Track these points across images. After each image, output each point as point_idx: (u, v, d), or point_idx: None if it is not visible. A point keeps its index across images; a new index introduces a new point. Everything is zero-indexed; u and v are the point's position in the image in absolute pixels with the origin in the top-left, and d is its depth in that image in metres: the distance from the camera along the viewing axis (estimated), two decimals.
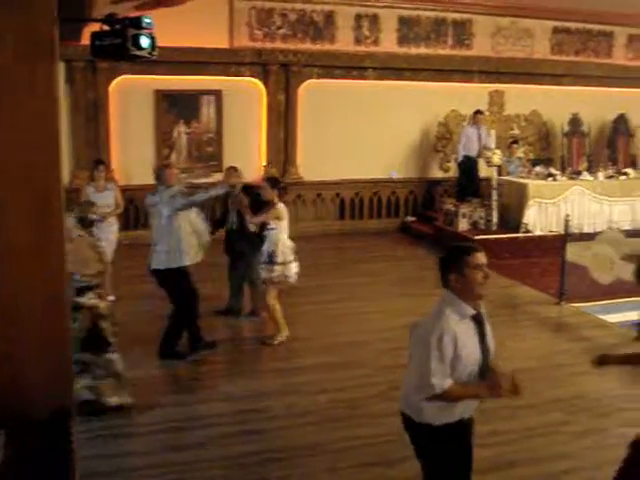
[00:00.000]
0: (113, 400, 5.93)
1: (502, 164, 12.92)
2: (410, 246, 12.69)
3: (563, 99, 14.74)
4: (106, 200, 9.23)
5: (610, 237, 9.33)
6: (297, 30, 12.98)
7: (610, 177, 13.38)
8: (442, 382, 3.49)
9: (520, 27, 14.57)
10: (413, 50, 13.76)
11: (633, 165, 14.81)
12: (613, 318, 8.90)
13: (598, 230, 10.86)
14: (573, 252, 9.38)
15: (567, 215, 10.03)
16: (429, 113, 14.08)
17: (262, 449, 5.48)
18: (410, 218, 14.16)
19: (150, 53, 4.03)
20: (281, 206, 7.51)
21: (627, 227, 11.79)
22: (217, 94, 12.73)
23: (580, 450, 5.51)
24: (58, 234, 3.50)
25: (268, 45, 12.80)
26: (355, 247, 12.66)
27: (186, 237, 7.06)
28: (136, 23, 3.88)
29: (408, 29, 13.70)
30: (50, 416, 3.41)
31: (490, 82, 14.47)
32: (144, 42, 3.93)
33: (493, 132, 13.17)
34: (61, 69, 11.19)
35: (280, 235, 7.46)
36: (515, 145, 13.73)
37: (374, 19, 13.42)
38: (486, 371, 3.65)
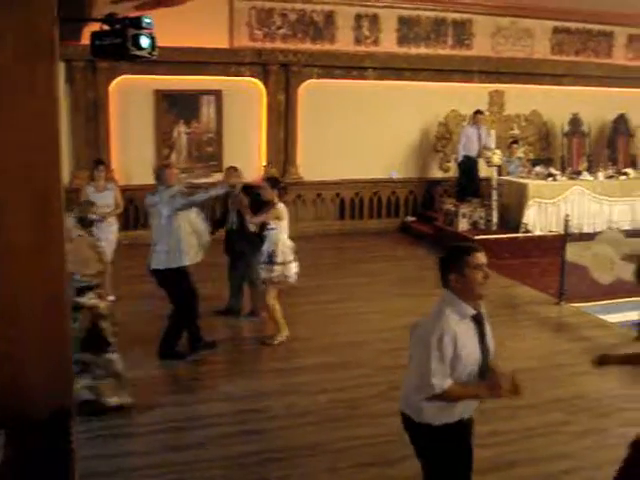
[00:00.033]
0: (113, 400, 5.93)
1: (502, 164, 12.92)
2: (410, 246, 12.69)
3: (563, 99, 14.75)
4: (106, 200, 9.23)
5: (610, 237, 9.33)
6: (297, 30, 12.98)
7: (610, 177, 13.38)
8: (442, 382, 3.49)
9: (520, 27, 14.57)
10: (413, 50, 13.76)
11: (633, 165, 14.81)
12: (613, 318, 8.90)
13: (598, 230, 10.86)
14: (573, 252, 9.38)
15: (567, 215, 10.03)
16: (429, 113, 14.08)
17: (262, 449, 5.48)
18: (410, 218, 14.16)
19: (150, 53, 4.03)
20: (281, 206, 7.51)
21: (627, 227, 11.79)
22: (217, 94, 12.74)
23: (580, 450, 5.51)
24: (58, 234, 3.50)
25: (268, 45, 12.80)
26: (355, 247, 12.66)
27: (186, 237, 7.06)
28: (136, 23, 3.87)
29: (408, 29, 13.70)
30: (50, 416, 3.41)
31: (490, 82, 14.47)
32: (144, 42, 3.92)
33: (493, 132, 13.17)
34: (61, 69, 11.19)
35: (280, 235, 7.46)
36: (515, 145, 13.74)
37: (374, 19, 13.43)
38: (486, 371, 3.65)
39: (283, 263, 7.43)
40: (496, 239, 11.86)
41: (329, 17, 13.12)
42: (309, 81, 13.22)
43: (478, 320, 3.65)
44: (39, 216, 3.41)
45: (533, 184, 12.49)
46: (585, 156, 14.74)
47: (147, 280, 7.49)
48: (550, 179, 12.76)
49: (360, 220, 14.00)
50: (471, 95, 14.14)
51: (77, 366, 5.49)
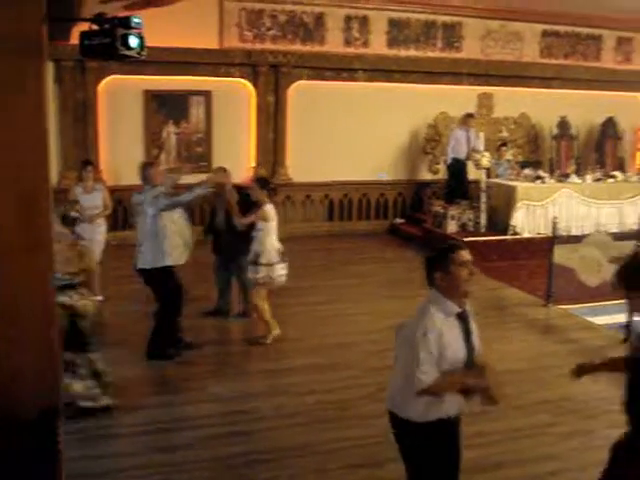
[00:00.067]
0: (89, 403, 5.88)
1: (491, 166, 12.97)
2: (399, 248, 12.71)
3: (552, 102, 14.82)
4: (94, 201, 9.20)
5: (597, 240, 9.38)
6: (287, 31, 12.98)
7: (598, 180, 13.46)
8: (428, 376, 3.51)
9: (509, 30, 14.63)
10: (403, 52, 13.79)
11: (621, 168, 14.90)
12: (601, 320, 8.95)
13: (586, 233, 10.89)
14: (561, 254, 9.42)
15: (555, 217, 10.09)
16: (418, 115, 14.11)
17: (250, 450, 5.47)
18: (399, 220, 14.18)
19: (139, 53, 4.01)
20: (269, 207, 7.50)
21: (614, 230, 11.85)
22: (207, 95, 12.72)
23: (566, 451, 5.54)
24: (46, 234, 3.49)
25: (258, 46, 12.80)
26: (344, 249, 12.67)
27: (171, 237, 7.05)
28: (125, 23, 3.86)
29: (398, 31, 13.73)
30: (38, 416, 3.40)
31: (479, 85, 14.51)
32: (133, 42, 3.91)
33: (482, 134, 13.20)
34: (50, 68, 11.15)
35: (267, 236, 7.45)
36: (504, 148, 13.78)
37: (364, 21, 13.45)
38: (471, 369, 3.67)
39: (268, 264, 7.43)
40: (484, 241, 11.89)
41: (319, 18, 13.13)
42: (299, 82, 13.22)
43: (463, 318, 3.68)
44: (27, 216, 3.40)
45: (521, 186, 12.54)
46: (573, 159, 14.81)
47: (135, 280, 7.48)
48: (538, 182, 12.82)
49: (349, 222, 14.01)
50: (460, 97, 14.19)
51: None
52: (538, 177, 12.94)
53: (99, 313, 6.12)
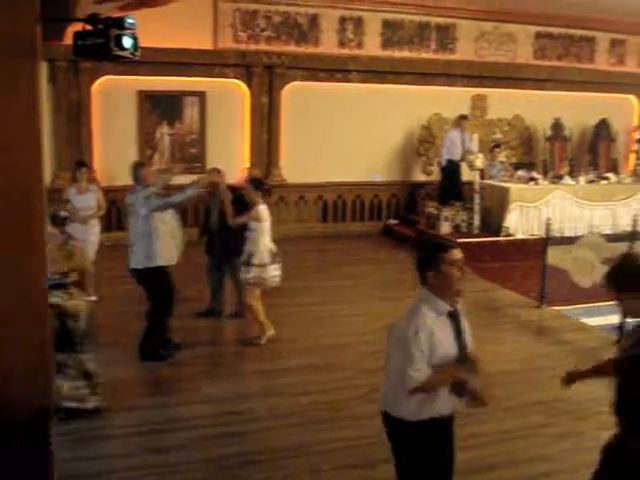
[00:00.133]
0: (89, 404, 5.87)
1: (484, 168, 13.00)
2: (392, 249, 12.71)
3: (545, 104, 14.86)
4: (88, 202, 9.21)
5: (591, 241, 9.39)
6: (281, 32, 12.98)
7: (591, 182, 13.51)
8: (420, 374, 3.52)
9: (503, 32, 14.67)
10: (397, 53, 13.81)
11: (614, 170, 14.94)
12: (594, 321, 8.97)
13: (579, 234, 10.93)
14: (554, 256, 9.44)
15: (548, 219, 10.11)
16: (412, 116, 14.13)
17: (244, 451, 5.47)
18: (392, 221, 14.19)
19: (133, 53, 4.01)
20: (262, 208, 7.50)
21: (608, 231, 11.89)
22: (201, 95, 12.72)
23: (559, 452, 5.55)
24: (40, 235, 3.49)
25: (252, 47, 12.79)
26: (338, 250, 12.68)
27: (163, 237, 7.04)
28: (119, 23, 3.86)
29: (392, 33, 13.75)
30: (30, 417, 3.39)
31: (473, 86, 14.54)
32: (127, 42, 3.91)
33: (476, 136, 13.22)
34: (43, 69, 11.13)
35: (260, 237, 7.45)
36: (497, 149, 13.81)
37: (358, 22, 13.46)
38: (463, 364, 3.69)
39: (260, 265, 7.43)
40: (478, 242, 11.91)
41: (313, 20, 13.14)
42: (293, 83, 13.22)
43: (454, 317, 3.69)
44: (21, 216, 3.39)
45: (515, 188, 12.57)
46: (567, 160, 14.84)
47: (129, 281, 7.48)
48: (532, 183, 12.86)
49: (343, 223, 14.02)
50: (454, 99, 14.21)
51: None
52: (531, 178, 12.98)
53: (92, 313, 6.08)
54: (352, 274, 10.89)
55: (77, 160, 10.46)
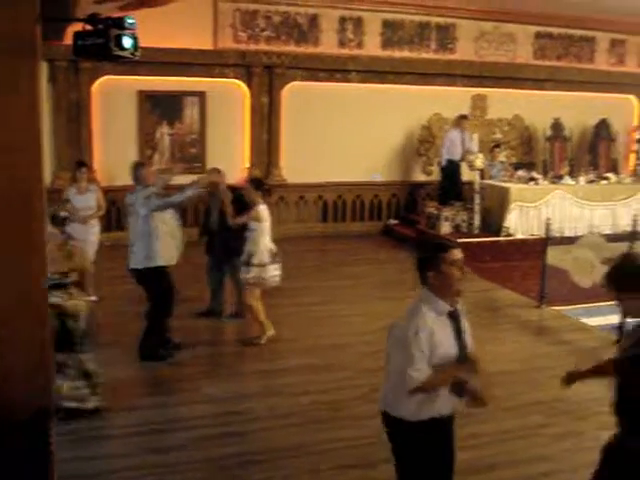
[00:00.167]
0: (89, 404, 5.87)
1: (484, 168, 13.00)
2: (392, 249, 12.71)
3: (545, 104, 14.85)
4: (88, 202, 9.22)
5: (591, 241, 9.39)
6: (281, 32, 12.98)
7: (591, 182, 13.52)
8: (421, 374, 3.52)
9: (503, 32, 14.66)
10: (397, 53, 13.81)
11: (614, 170, 14.94)
12: (594, 321, 8.97)
13: (579, 234, 10.93)
14: (554, 256, 9.44)
15: (548, 219, 10.11)
16: (412, 116, 14.12)
17: (244, 451, 5.47)
18: (393, 221, 14.19)
19: (133, 54, 4.02)
20: (261, 208, 7.50)
21: (608, 231, 11.89)
22: (201, 95, 12.72)
23: (559, 452, 5.55)
24: (40, 235, 3.49)
25: (252, 47, 12.80)
26: (338, 250, 12.68)
27: (162, 237, 7.04)
28: (119, 23, 3.86)
29: (392, 32, 13.75)
30: (30, 417, 3.39)
31: (473, 86, 14.54)
32: (127, 42, 3.91)
33: (476, 136, 13.22)
34: (44, 69, 11.13)
35: (260, 237, 7.45)
36: (497, 149, 13.81)
37: (358, 22, 13.46)
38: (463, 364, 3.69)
39: (260, 265, 7.44)
40: (478, 242, 11.91)
41: (313, 20, 13.14)
42: (293, 83, 13.22)
43: (454, 317, 3.69)
44: (21, 217, 3.39)
45: (515, 188, 12.57)
46: (567, 160, 14.84)
47: (129, 281, 7.48)
48: (532, 183, 12.86)
49: (343, 223, 14.02)
50: (454, 99, 14.21)
51: None
52: (531, 178, 12.98)
53: (92, 313, 6.08)
54: (352, 274, 10.90)
55: (77, 160, 10.47)
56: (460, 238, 11.68)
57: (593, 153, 15.67)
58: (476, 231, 12.38)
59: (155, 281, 7.11)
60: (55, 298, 5.60)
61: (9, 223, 3.37)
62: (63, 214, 6.42)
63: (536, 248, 10.34)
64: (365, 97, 13.55)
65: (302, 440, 5.64)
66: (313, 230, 13.63)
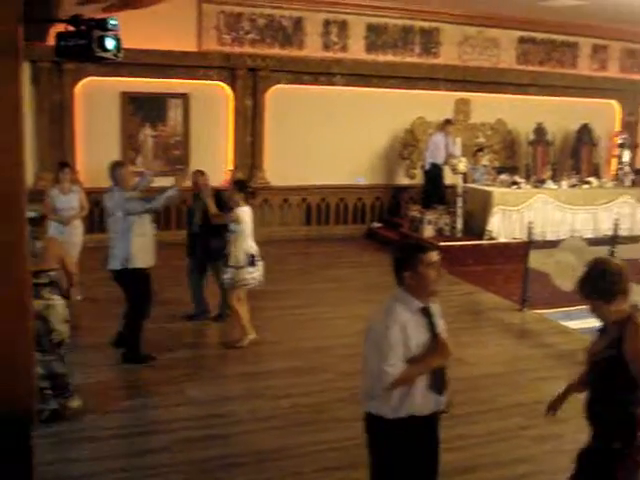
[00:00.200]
0: (49, 406, 5.82)
1: (467, 172, 13.06)
2: (376, 252, 12.71)
3: (528, 108, 14.94)
4: (71, 202, 9.19)
5: (572, 245, 9.46)
6: (265, 35, 12.99)
7: (573, 186, 13.62)
8: (395, 369, 3.54)
9: (487, 36, 14.75)
10: (381, 57, 13.85)
11: (596, 174, 15.05)
12: (575, 324, 9.00)
13: (561, 238, 10.99)
14: (536, 259, 9.49)
15: (530, 223, 10.17)
16: (396, 120, 14.17)
17: (226, 454, 5.46)
18: (376, 224, 14.22)
19: (115, 55, 4.02)
20: (242, 210, 7.49)
21: (589, 235, 11.98)
22: (184, 97, 12.70)
23: (540, 454, 5.58)
24: (21, 235, 3.47)
25: (236, 49, 12.79)
26: (321, 253, 12.69)
27: (139, 238, 7.01)
28: (102, 25, 3.86)
29: (376, 36, 13.79)
30: (11, 418, 3.37)
31: (456, 90, 14.60)
32: (109, 44, 3.91)
33: (459, 140, 13.27)
34: (26, 70, 11.07)
35: (238, 238, 7.44)
36: (480, 153, 13.86)
37: (342, 25, 13.49)
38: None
39: (236, 267, 7.44)
40: (461, 246, 11.98)
41: (298, 23, 13.16)
42: (277, 86, 13.23)
43: (427, 313, 3.71)
44: (2, 218, 3.38)
45: (498, 192, 12.64)
46: (549, 165, 14.94)
47: (111, 282, 7.44)
48: (514, 187, 12.93)
49: (326, 226, 14.03)
50: (437, 103, 14.27)
51: None
52: (514, 182, 13.05)
53: (64, 314, 5.97)
54: (335, 277, 10.91)
55: (60, 161, 10.41)
56: (443, 241, 11.75)
57: (575, 158, 15.78)
58: (459, 234, 12.43)
59: (133, 282, 7.09)
60: None
61: None
62: (29, 214, 6.34)
63: (518, 252, 10.39)
64: (349, 100, 13.58)
65: (285, 443, 5.63)
66: (297, 233, 13.63)
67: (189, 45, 12.38)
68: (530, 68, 15.17)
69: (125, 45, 4.18)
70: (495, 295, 10.19)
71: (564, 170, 14.78)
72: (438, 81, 14.28)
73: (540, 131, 15.22)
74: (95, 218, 11.60)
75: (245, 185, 7.98)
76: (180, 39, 12.15)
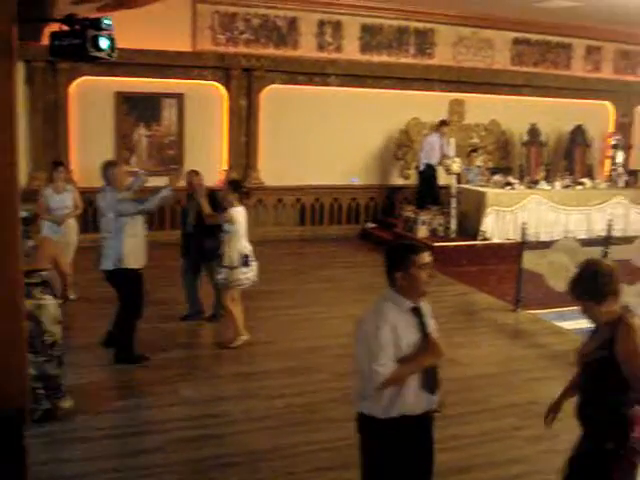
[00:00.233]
0: (42, 406, 5.80)
1: (461, 172, 13.08)
2: (370, 252, 12.71)
3: (522, 109, 14.98)
4: (65, 202, 9.18)
5: (566, 246, 9.49)
6: (260, 35, 12.99)
7: (567, 187, 13.66)
8: (385, 368, 3.54)
9: (481, 37, 14.77)
10: (375, 58, 13.86)
11: (589, 175, 15.09)
12: (569, 325, 9.02)
13: (554, 239, 11.01)
14: (530, 260, 9.51)
15: (524, 223, 10.18)
16: (390, 120, 14.18)
17: (220, 453, 5.46)
18: (370, 225, 14.23)
19: (109, 54, 4.01)
20: (235, 210, 7.48)
21: (582, 236, 11.99)
22: (179, 97, 12.69)
23: (534, 455, 5.59)
24: (14, 235, 3.47)
25: (231, 49, 12.79)
26: (315, 253, 12.70)
27: (131, 238, 7.00)
28: (96, 24, 3.86)
29: (371, 37, 13.80)
30: (3, 417, 3.37)
31: (451, 91, 14.63)
32: (103, 43, 3.91)
33: (453, 140, 13.30)
34: (20, 69, 11.05)
35: (232, 239, 7.44)
36: (474, 154, 13.89)
37: (337, 26, 13.49)
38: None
39: (229, 266, 7.44)
40: (455, 246, 11.99)
41: (292, 23, 13.16)
42: (271, 86, 13.23)
43: (417, 313, 3.72)
44: None
45: (491, 192, 12.66)
46: (543, 166, 14.96)
47: (104, 283, 7.42)
48: (508, 188, 12.96)
49: (320, 226, 14.04)
50: (432, 104, 14.29)
51: None
52: (508, 183, 13.08)
53: (56, 315, 5.95)
54: (330, 277, 10.91)
55: (54, 160, 10.39)
56: (437, 242, 11.79)
57: (569, 158, 15.81)
58: (453, 235, 12.45)
59: (126, 282, 7.07)
60: None
61: None
62: (24, 214, 6.34)
63: (512, 252, 10.41)
64: (344, 101, 13.59)
65: (278, 443, 5.64)
66: (291, 233, 13.63)
67: (183, 45, 12.38)
68: (524, 69, 15.20)
69: (119, 45, 4.17)
70: (489, 295, 10.20)
71: (558, 171, 14.83)
72: (433, 82, 14.30)
73: (534, 132, 15.26)
74: (89, 218, 11.59)
75: (239, 185, 7.98)
76: (174, 39, 12.15)
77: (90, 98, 12.01)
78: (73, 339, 7.21)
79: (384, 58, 13.92)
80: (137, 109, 12.43)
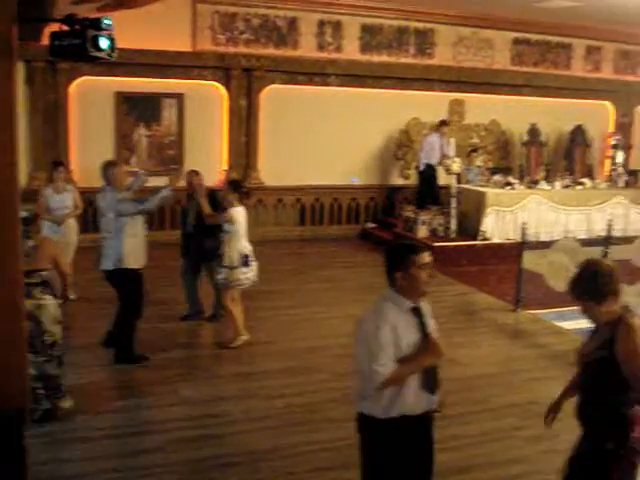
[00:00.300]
0: (42, 406, 5.80)
1: (461, 172, 13.07)
2: (370, 252, 12.71)
3: (522, 109, 14.98)
4: (65, 202, 9.18)
5: (566, 246, 9.48)
6: (260, 35, 12.99)
7: (567, 187, 13.66)
8: (385, 368, 3.54)
9: (481, 37, 14.77)
10: (375, 58, 13.86)
11: (589, 175, 15.09)
12: (569, 325, 9.02)
13: (554, 239, 11.01)
14: (530, 260, 9.51)
15: (524, 223, 10.18)
16: (390, 121, 14.18)
17: (220, 453, 5.46)
18: (370, 225, 14.23)
19: (109, 54, 4.01)
20: (235, 210, 7.48)
21: (583, 236, 11.98)
22: (179, 97, 12.69)
23: (534, 455, 5.59)
24: (14, 235, 3.47)
25: (231, 49, 12.79)
26: (315, 253, 12.70)
27: (132, 240, 7.00)
28: (96, 24, 3.86)
29: (371, 37, 13.80)
30: (3, 417, 3.37)
31: (451, 91, 14.62)
32: (103, 43, 3.91)
33: (453, 140, 13.30)
34: (20, 69, 11.05)
35: (232, 239, 7.44)
36: (474, 154, 13.89)
37: (337, 26, 13.49)
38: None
39: (229, 266, 7.43)
40: (455, 246, 11.99)
41: (292, 23, 13.16)
42: (271, 86, 13.23)
43: (417, 313, 3.72)
44: None
45: (491, 192, 12.66)
46: (543, 166, 14.96)
47: (104, 283, 7.42)
48: (508, 188, 12.96)
49: (320, 226, 14.03)
50: (432, 104, 14.29)
51: None
52: (508, 183, 13.08)
53: (56, 315, 5.95)
54: (330, 277, 10.92)
55: (54, 160, 10.39)
56: (437, 242, 11.79)
57: (569, 158, 15.81)
58: (453, 235, 12.45)
59: (126, 282, 7.07)
60: None
61: None
62: (23, 214, 6.34)
63: (512, 252, 10.41)
64: (344, 101, 13.59)
65: (278, 443, 5.64)
66: (291, 233, 13.63)
67: (183, 45, 12.38)
68: (524, 69, 15.20)
69: (119, 45, 4.17)
70: (489, 295, 10.20)
71: (558, 171, 14.82)
72: (433, 82, 14.30)
73: (534, 132, 15.26)
74: (89, 218, 11.59)
75: (239, 185, 7.98)
76: (174, 39, 12.15)
77: (90, 98, 12.01)
78: (73, 339, 7.21)
79: (384, 58, 13.92)
80: (137, 109, 12.43)
